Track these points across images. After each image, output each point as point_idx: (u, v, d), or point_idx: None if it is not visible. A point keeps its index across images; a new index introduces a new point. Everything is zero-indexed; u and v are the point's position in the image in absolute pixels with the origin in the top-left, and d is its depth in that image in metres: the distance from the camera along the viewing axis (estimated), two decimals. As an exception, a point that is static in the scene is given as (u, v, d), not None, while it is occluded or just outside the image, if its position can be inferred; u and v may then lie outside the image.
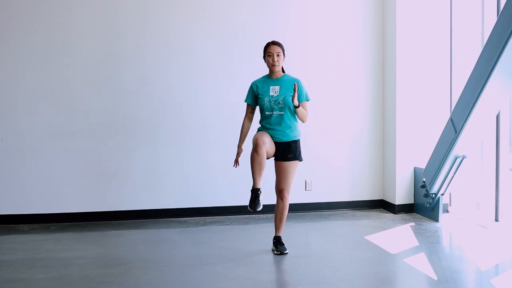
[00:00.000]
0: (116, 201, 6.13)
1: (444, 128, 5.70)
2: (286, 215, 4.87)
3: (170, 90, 6.20)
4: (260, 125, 4.86)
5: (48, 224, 5.96)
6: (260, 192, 4.65)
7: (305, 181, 6.50)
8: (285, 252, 4.77)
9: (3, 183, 5.92)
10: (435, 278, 4.17)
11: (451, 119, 5.54)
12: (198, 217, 6.25)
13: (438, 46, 6.34)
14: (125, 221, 6.10)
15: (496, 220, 5.73)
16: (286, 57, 4.88)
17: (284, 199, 4.81)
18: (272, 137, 4.74)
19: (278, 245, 4.80)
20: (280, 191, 4.82)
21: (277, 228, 4.87)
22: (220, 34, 6.27)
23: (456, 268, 4.47)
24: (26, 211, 5.97)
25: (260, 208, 4.68)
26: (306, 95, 4.81)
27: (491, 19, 5.64)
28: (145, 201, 6.18)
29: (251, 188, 4.68)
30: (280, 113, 4.73)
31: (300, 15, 6.45)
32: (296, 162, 4.83)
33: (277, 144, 4.76)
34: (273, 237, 4.91)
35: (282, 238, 4.86)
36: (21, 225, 5.91)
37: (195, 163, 6.25)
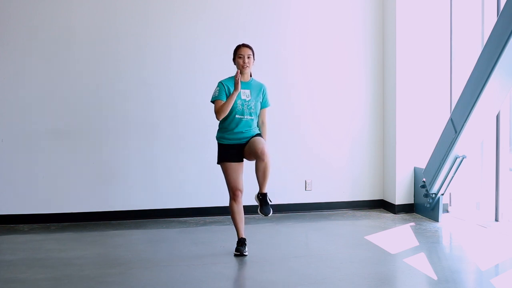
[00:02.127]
0: (116, 201, 6.13)
1: (444, 128, 5.70)
2: (269, 173, 4.62)
3: (170, 90, 6.19)
4: (221, 130, 4.79)
5: (48, 224, 5.96)
6: (245, 240, 4.79)
7: (305, 181, 6.50)
8: (269, 213, 4.66)
9: (3, 183, 5.92)
10: (435, 278, 4.17)
11: (451, 119, 5.54)
12: (198, 217, 6.25)
13: (438, 46, 6.34)
14: (125, 221, 6.10)
15: (496, 220, 5.73)
16: (255, 61, 4.84)
17: (265, 158, 4.54)
18: (240, 139, 4.73)
19: (263, 205, 4.67)
20: (260, 152, 4.53)
21: (261, 184, 4.66)
22: (220, 34, 6.27)
23: (456, 268, 4.47)
24: (26, 211, 5.97)
25: (246, 253, 4.72)
26: (268, 101, 4.88)
27: (491, 19, 5.64)
28: (145, 201, 6.18)
29: (237, 240, 4.77)
30: (250, 117, 4.75)
31: (300, 15, 6.45)
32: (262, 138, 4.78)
33: (245, 143, 4.75)
34: (257, 193, 4.72)
35: (270, 198, 4.72)
36: (21, 225, 5.91)
37: (195, 163, 6.25)
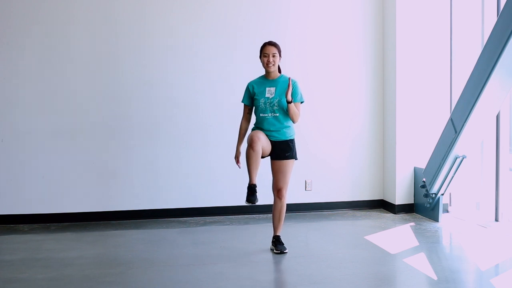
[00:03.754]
0: (116, 201, 6.13)
1: (444, 128, 5.70)
2: (284, 214, 4.87)
3: (170, 90, 6.20)
4: (254, 126, 4.89)
5: (48, 224, 5.96)
6: (256, 186, 4.71)
7: (305, 181, 6.50)
8: (284, 251, 4.77)
9: (3, 183, 5.92)
10: (435, 278, 4.17)
11: (451, 119, 5.54)
12: (198, 217, 6.25)
13: (438, 46, 6.34)
14: (125, 221, 6.10)
15: (496, 220, 5.73)
16: (282, 58, 4.89)
17: (282, 198, 4.82)
18: (268, 136, 4.75)
19: (278, 245, 4.80)
20: (278, 190, 4.82)
21: (275, 227, 4.87)
22: (220, 34, 6.27)
23: (456, 268, 4.47)
24: (26, 211, 5.97)
25: (257, 201, 4.69)
26: (301, 96, 4.83)
27: (491, 19, 5.64)
28: (145, 201, 6.18)
29: (247, 185, 4.70)
30: (275, 115, 4.74)
31: (300, 15, 6.45)
32: (293, 160, 4.84)
33: (274, 143, 4.77)
34: (272, 237, 4.90)
35: (281, 237, 4.86)
36: (21, 225, 5.91)
37: (195, 163, 6.25)
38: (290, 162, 4.81)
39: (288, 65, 6.40)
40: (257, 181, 4.69)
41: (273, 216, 4.88)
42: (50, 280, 4.15)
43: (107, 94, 6.09)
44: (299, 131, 6.42)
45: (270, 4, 6.39)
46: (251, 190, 4.67)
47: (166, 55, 6.18)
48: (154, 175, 6.20)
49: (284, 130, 4.78)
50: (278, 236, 4.85)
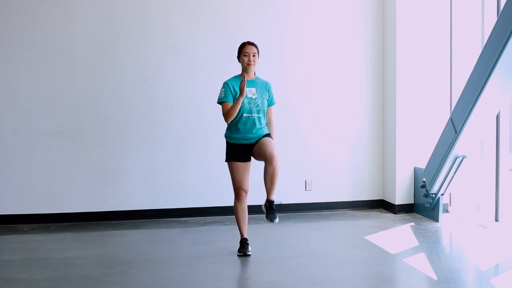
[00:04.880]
0: (116, 201, 6.13)
1: (444, 128, 5.70)
2: (277, 177, 4.59)
3: (170, 90, 6.19)
4: (230, 131, 4.78)
5: (48, 224, 5.96)
6: (247, 240, 4.78)
7: (305, 181, 6.50)
8: (275, 220, 4.58)
9: (3, 183, 5.92)
10: (435, 278, 4.17)
11: (451, 119, 5.54)
12: (198, 217, 6.25)
13: (438, 46, 6.34)
14: (125, 221, 6.09)
15: (496, 220, 5.73)
16: (260, 59, 4.86)
17: (274, 162, 4.53)
18: (248, 139, 4.71)
19: (270, 213, 4.60)
20: (270, 155, 4.53)
21: (268, 191, 4.61)
22: (220, 34, 6.27)
23: (456, 268, 4.47)
24: (26, 211, 5.97)
25: (250, 253, 4.72)
26: (274, 99, 4.89)
27: (491, 19, 5.64)
28: (145, 201, 6.18)
29: (240, 240, 4.76)
30: (258, 115, 4.74)
31: (300, 15, 6.45)
32: (271, 139, 4.75)
33: (253, 144, 4.73)
34: (265, 201, 4.65)
35: (274, 203, 4.66)
36: (21, 225, 5.91)
37: (195, 163, 6.25)
38: (269, 138, 4.73)
39: (288, 65, 6.42)
40: (250, 191, 4.79)
41: (264, 180, 4.60)
42: (50, 280, 4.15)
43: (107, 94, 6.09)
44: (299, 131, 6.47)
45: (270, 4, 6.39)
46: (243, 243, 4.76)
47: (166, 55, 6.18)
48: (154, 175, 6.19)
49: (261, 130, 4.75)
50: (272, 202, 4.60)
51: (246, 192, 4.78)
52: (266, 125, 4.85)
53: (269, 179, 4.58)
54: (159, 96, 6.17)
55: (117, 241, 5.32)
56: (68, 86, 6.03)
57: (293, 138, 6.45)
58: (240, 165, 4.75)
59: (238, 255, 4.72)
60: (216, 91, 6.25)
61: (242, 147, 4.73)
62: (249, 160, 4.79)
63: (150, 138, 6.17)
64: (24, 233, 5.62)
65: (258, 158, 4.74)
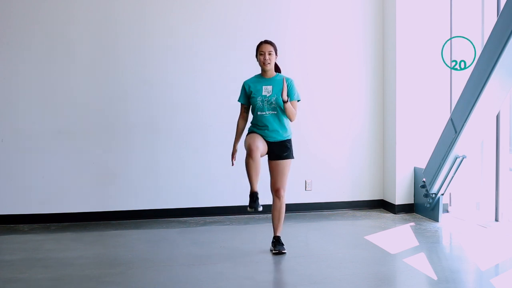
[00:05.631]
0: (116, 201, 6.13)
1: (444, 128, 5.70)
2: (284, 214, 4.86)
3: (170, 90, 6.20)
4: (251, 125, 4.88)
5: (48, 224, 5.96)
6: (258, 194, 4.69)
7: (305, 181, 6.50)
8: (283, 251, 4.76)
9: (3, 183, 5.92)
10: (435, 278, 4.17)
11: (451, 119, 5.54)
12: (198, 217, 6.25)
13: (438, 46, 6.33)
14: (125, 221, 6.10)
15: (496, 220, 5.73)
16: (279, 57, 4.91)
17: (281, 198, 4.81)
18: (264, 137, 4.76)
19: (277, 245, 4.79)
20: (276, 190, 4.82)
21: (275, 228, 4.86)
22: (220, 34, 6.27)
23: (456, 268, 4.47)
24: (26, 211, 5.97)
25: (260, 209, 4.69)
26: (298, 95, 4.85)
27: (491, 19, 5.64)
28: (145, 201, 6.18)
29: (249, 193, 4.70)
30: (273, 112, 4.75)
31: (300, 15, 6.45)
32: (290, 160, 4.86)
33: (270, 144, 4.78)
34: (272, 238, 4.89)
35: (281, 238, 4.85)
36: (21, 225, 5.91)
37: (195, 163, 6.25)
38: (288, 162, 4.83)
39: (288, 65, 6.40)
40: (258, 186, 4.70)
41: (272, 216, 4.87)
42: (50, 280, 4.15)
43: (107, 94, 6.09)
44: (299, 131, 6.45)
45: (270, 4, 6.39)
46: (253, 197, 4.66)
47: (166, 55, 6.18)
48: (154, 175, 6.19)
49: (280, 131, 4.79)
50: (278, 237, 4.84)
51: (257, 148, 4.61)
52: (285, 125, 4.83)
53: (276, 215, 4.84)
54: (159, 96, 6.17)
55: (117, 241, 5.32)
56: (68, 86, 6.03)
57: (293, 138, 6.42)
58: (256, 135, 4.74)
59: (248, 210, 4.67)
60: (216, 91, 6.31)
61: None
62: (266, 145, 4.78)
63: (150, 138, 6.17)
64: (24, 233, 5.63)
65: (269, 169, 4.86)
